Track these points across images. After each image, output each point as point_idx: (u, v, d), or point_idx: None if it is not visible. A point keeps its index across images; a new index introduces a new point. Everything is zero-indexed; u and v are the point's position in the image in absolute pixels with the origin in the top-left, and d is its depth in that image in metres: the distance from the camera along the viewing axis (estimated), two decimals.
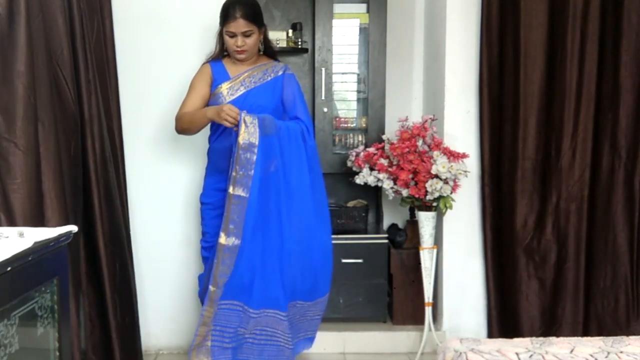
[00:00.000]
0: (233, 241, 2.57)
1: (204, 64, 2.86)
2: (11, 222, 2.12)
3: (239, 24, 2.67)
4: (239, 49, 2.72)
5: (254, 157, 2.56)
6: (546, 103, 3.18)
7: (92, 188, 2.68)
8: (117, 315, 2.86)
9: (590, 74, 3.12)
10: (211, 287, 2.60)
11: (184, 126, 2.78)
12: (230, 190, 2.55)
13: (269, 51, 2.88)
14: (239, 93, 2.75)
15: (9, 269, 1.46)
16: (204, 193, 2.87)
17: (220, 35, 2.80)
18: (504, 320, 3.29)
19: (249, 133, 2.56)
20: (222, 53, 2.85)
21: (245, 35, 2.70)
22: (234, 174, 2.55)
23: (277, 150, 2.64)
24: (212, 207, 2.79)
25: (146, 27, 3.22)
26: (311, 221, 2.76)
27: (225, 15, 2.70)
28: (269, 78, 2.80)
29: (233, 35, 2.70)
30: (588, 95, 3.13)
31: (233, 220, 2.56)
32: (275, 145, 2.63)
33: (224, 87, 2.76)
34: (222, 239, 2.57)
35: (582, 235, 3.18)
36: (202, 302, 2.80)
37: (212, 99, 2.79)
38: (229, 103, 2.71)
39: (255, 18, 2.72)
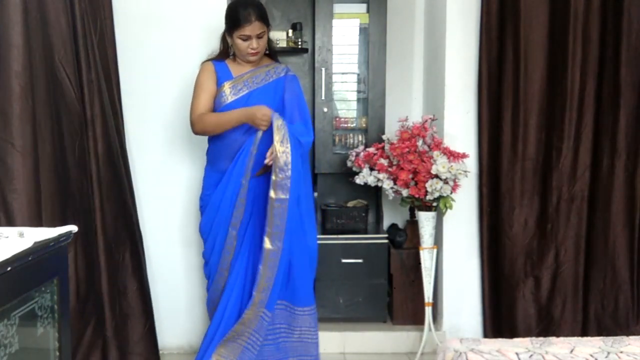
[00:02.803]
0: (277, 244, 2.58)
1: (205, 62, 2.82)
2: (10, 223, 2.11)
3: (255, 27, 2.64)
4: (253, 51, 2.69)
5: (290, 158, 2.56)
6: (547, 103, 3.17)
7: (94, 188, 2.68)
8: (114, 319, 2.86)
9: (592, 74, 3.12)
10: (255, 294, 2.59)
11: (207, 129, 2.74)
12: (272, 194, 2.55)
13: (271, 52, 2.87)
14: (242, 93, 2.73)
15: (9, 269, 1.47)
16: (202, 200, 2.86)
17: (224, 37, 2.77)
18: (500, 320, 3.28)
19: (281, 136, 2.56)
20: (226, 54, 2.81)
21: (259, 36, 2.68)
22: (274, 177, 2.55)
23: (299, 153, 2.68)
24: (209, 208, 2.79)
25: (147, 26, 3.21)
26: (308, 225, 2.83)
27: (238, 19, 2.64)
28: (271, 79, 2.79)
29: (247, 38, 2.67)
30: (589, 95, 3.13)
31: (276, 224, 2.57)
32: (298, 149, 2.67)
33: (227, 86, 2.74)
34: (267, 244, 2.58)
35: (582, 235, 3.18)
36: (210, 313, 2.84)
37: (215, 97, 2.77)
38: (231, 103, 2.71)
39: (266, 18, 2.72)
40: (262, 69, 2.79)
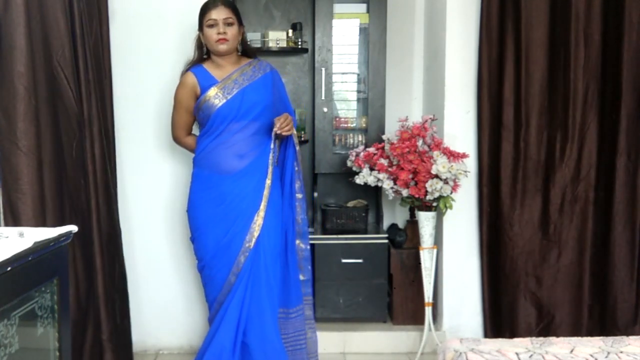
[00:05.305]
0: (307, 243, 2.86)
1: (185, 72, 2.79)
2: (15, 222, 2.12)
3: (221, 11, 2.69)
4: (220, 37, 2.69)
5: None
6: (549, 103, 3.17)
7: (91, 189, 2.68)
8: (116, 317, 2.85)
9: (594, 74, 3.11)
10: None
11: (183, 148, 2.97)
12: (298, 190, 2.83)
13: (248, 52, 2.88)
14: (234, 92, 2.72)
15: (9, 269, 1.47)
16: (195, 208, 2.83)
17: (199, 39, 2.79)
18: (500, 320, 3.28)
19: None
20: (201, 58, 2.81)
21: (227, 23, 2.70)
22: (298, 183, 2.83)
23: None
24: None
25: (140, 27, 3.21)
26: None
27: (205, 8, 2.72)
28: (259, 75, 2.80)
29: (214, 24, 2.69)
30: (592, 95, 3.12)
31: (300, 224, 2.82)
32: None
33: (214, 91, 2.71)
34: (302, 245, 2.85)
35: (585, 236, 3.17)
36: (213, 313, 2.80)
37: (203, 105, 2.72)
38: (224, 104, 2.68)
39: (235, 9, 2.76)
40: (247, 67, 2.80)
